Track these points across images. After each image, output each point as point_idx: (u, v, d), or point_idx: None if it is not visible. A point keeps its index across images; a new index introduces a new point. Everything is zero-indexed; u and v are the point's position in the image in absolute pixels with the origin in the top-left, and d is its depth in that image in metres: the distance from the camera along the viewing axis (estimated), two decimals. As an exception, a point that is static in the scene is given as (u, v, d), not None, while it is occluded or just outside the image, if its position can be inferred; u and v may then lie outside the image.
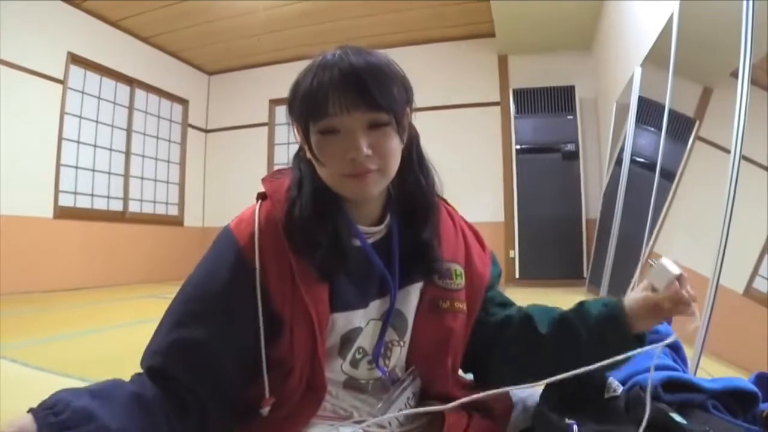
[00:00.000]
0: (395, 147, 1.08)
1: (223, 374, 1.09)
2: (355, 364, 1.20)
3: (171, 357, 1.05)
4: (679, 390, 1.24)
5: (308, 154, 1.11)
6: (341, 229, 1.13)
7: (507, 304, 1.38)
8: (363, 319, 1.20)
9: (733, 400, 1.27)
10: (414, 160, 1.21)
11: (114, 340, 3.80)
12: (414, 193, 1.21)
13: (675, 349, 1.54)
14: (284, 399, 1.12)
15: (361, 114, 1.02)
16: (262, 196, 1.21)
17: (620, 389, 1.26)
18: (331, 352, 1.17)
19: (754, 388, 1.29)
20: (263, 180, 1.24)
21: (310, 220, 1.10)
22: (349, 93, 1.01)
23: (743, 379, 1.33)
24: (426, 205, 1.22)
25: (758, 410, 1.28)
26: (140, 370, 1.10)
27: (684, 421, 1.06)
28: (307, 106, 1.05)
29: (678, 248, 3.57)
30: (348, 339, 1.19)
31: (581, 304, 1.18)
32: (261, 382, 1.11)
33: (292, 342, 1.10)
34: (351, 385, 1.22)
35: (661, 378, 1.25)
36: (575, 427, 1.09)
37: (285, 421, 1.11)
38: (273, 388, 1.11)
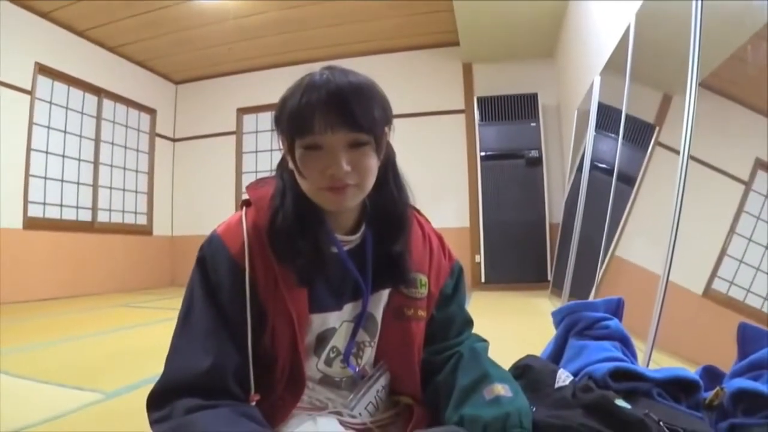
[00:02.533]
0: (373, 165, 1.15)
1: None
2: (329, 362, 1.28)
3: (222, 374, 1.11)
4: (626, 379, 1.34)
5: (291, 165, 1.17)
6: (321, 237, 1.21)
7: (462, 333, 1.43)
8: (337, 321, 1.27)
9: (678, 388, 1.37)
10: (389, 177, 1.28)
11: (88, 348, 3.79)
12: (388, 206, 1.28)
13: (625, 342, 1.64)
14: (269, 391, 1.20)
15: (344, 134, 1.09)
16: (246, 203, 1.27)
17: (569, 379, 1.36)
18: (307, 351, 1.24)
19: (696, 377, 1.39)
20: (248, 188, 1.31)
21: (292, 228, 1.17)
22: (334, 114, 1.08)
23: (686, 369, 1.43)
24: (399, 219, 1.29)
25: (700, 397, 1.38)
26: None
27: (628, 406, 1.15)
28: (294, 123, 1.11)
29: (638, 250, 3.65)
30: (323, 338, 1.26)
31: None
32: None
33: (274, 338, 1.17)
34: (326, 381, 1.30)
35: (609, 368, 1.35)
36: (533, 408, 1.18)
37: (269, 411, 1.18)
38: (258, 383, 1.18)
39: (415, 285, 1.33)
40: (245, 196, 1.30)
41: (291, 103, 1.12)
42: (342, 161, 1.09)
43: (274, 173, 1.31)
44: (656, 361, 2.47)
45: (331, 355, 1.28)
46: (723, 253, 2.52)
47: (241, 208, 1.27)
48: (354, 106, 1.08)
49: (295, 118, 1.10)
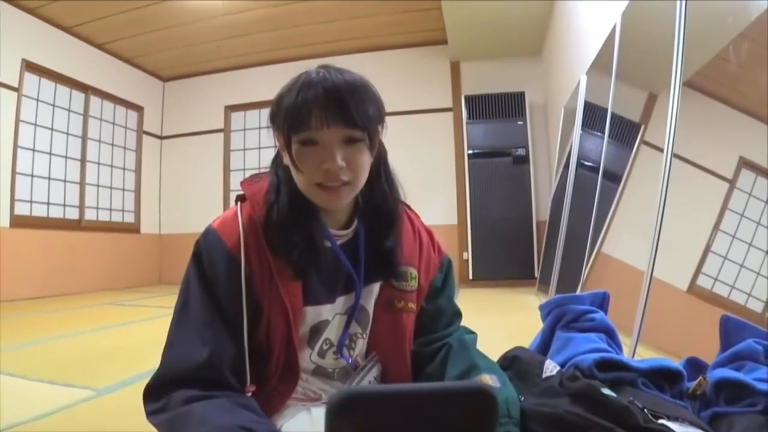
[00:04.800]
0: (366, 161, 1.18)
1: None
2: (322, 354, 1.31)
3: (219, 365, 1.13)
4: (612, 369, 1.37)
5: (286, 161, 1.20)
6: (315, 232, 1.23)
7: (451, 325, 1.46)
8: (330, 313, 1.30)
9: (662, 378, 1.41)
10: (381, 173, 1.31)
11: (78, 346, 3.79)
12: (379, 202, 1.31)
13: (610, 334, 1.68)
14: (263, 382, 1.22)
15: (339, 130, 1.12)
16: (241, 198, 1.29)
17: (556, 369, 1.39)
18: (301, 343, 1.27)
19: (679, 367, 1.43)
20: (242, 183, 1.33)
21: (287, 223, 1.20)
22: (330, 110, 1.11)
23: (670, 359, 1.47)
24: (390, 214, 1.32)
25: (684, 387, 1.42)
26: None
27: (613, 394, 1.19)
28: (290, 118, 1.13)
29: (624, 247, 3.68)
30: (316, 330, 1.28)
31: None
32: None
33: (269, 330, 1.20)
34: (319, 372, 1.32)
35: (595, 358, 1.38)
36: (521, 398, 1.22)
37: (264, 402, 1.20)
38: (253, 374, 1.20)
39: (406, 278, 1.35)
40: (240, 192, 1.32)
41: (288, 99, 1.15)
42: (337, 156, 1.12)
43: (268, 170, 1.33)
44: (641, 356, 2.50)
45: (324, 347, 1.31)
46: (707, 249, 2.55)
47: (236, 203, 1.29)
48: (349, 102, 1.11)
49: (292, 114, 1.13)
